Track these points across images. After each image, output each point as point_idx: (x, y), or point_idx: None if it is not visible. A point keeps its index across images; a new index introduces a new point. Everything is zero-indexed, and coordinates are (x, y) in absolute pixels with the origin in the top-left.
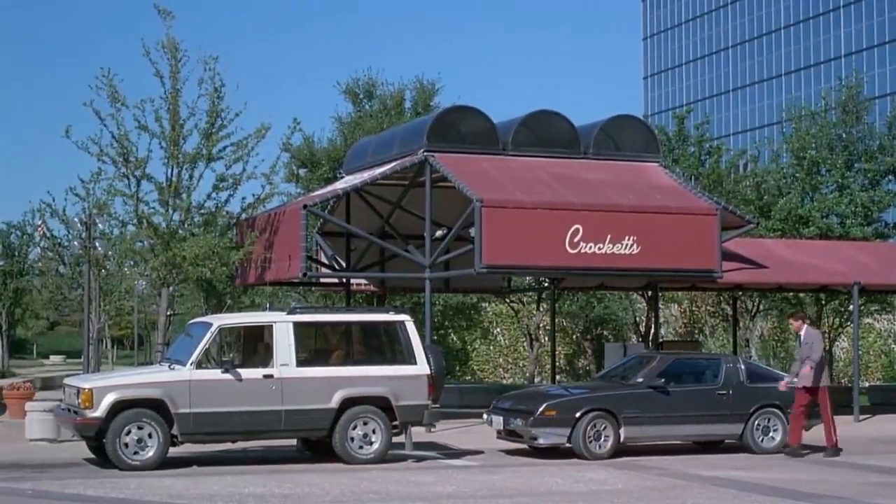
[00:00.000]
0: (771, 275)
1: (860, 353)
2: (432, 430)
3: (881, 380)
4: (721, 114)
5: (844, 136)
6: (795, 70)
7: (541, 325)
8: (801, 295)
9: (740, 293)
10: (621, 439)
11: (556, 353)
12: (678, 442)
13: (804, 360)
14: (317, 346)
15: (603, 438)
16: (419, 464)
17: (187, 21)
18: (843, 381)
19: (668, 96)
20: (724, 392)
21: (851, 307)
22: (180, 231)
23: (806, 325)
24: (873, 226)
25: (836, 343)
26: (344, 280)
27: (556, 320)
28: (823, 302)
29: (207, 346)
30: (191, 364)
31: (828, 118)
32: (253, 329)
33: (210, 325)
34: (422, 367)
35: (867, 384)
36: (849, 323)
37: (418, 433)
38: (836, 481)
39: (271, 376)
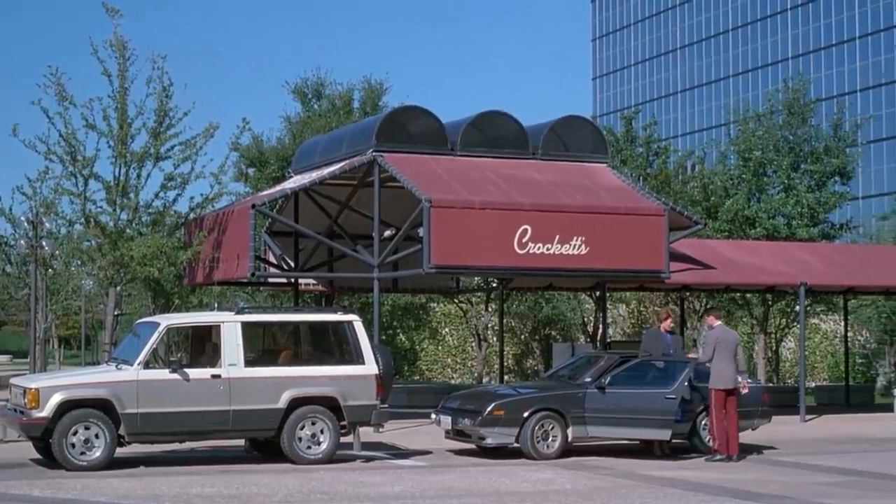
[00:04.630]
0: (718, 275)
1: (806, 353)
2: (381, 430)
3: (827, 380)
4: (669, 115)
5: (790, 137)
6: (743, 72)
7: (489, 325)
8: (748, 295)
9: (688, 294)
10: (569, 439)
11: (505, 353)
12: (626, 441)
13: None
14: (265, 346)
15: (551, 438)
16: (367, 464)
17: (135, 21)
18: (789, 381)
19: (617, 97)
20: (669, 395)
21: (798, 308)
22: (128, 230)
23: (717, 322)
24: (819, 227)
25: (783, 343)
26: (292, 280)
27: (505, 320)
28: (770, 303)
29: (155, 345)
30: (138, 364)
31: (774, 120)
32: (201, 329)
33: (158, 324)
34: (370, 367)
35: (813, 384)
36: (795, 323)
37: (367, 433)
38: (783, 481)
39: (219, 376)
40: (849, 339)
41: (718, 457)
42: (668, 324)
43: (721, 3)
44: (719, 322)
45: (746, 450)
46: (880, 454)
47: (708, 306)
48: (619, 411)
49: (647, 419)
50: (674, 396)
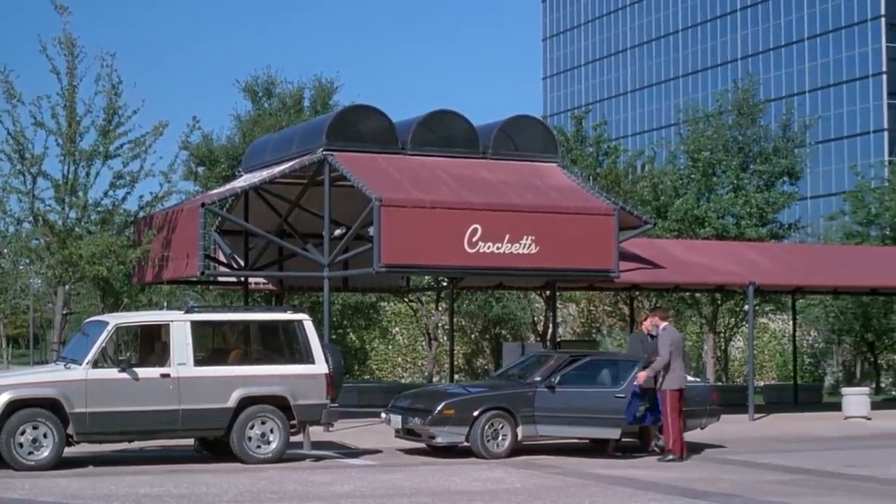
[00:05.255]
0: (667, 275)
1: (755, 352)
2: (330, 429)
3: (776, 379)
4: (619, 115)
5: (740, 137)
6: (693, 72)
7: (439, 324)
8: (697, 295)
9: (637, 293)
10: (519, 438)
11: (455, 352)
12: (576, 440)
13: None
14: (214, 345)
15: (501, 437)
16: (317, 463)
17: (85, 19)
18: (738, 380)
19: (567, 97)
20: (619, 394)
21: (746, 307)
22: (77, 229)
23: (664, 323)
24: (768, 226)
25: (732, 343)
26: (242, 279)
27: (455, 319)
28: (719, 302)
29: (104, 345)
30: (87, 363)
31: (723, 120)
32: (150, 328)
33: (106, 323)
34: (320, 367)
35: (762, 383)
36: (744, 323)
37: (317, 432)
38: (732, 480)
39: (168, 375)
40: (797, 339)
41: (671, 456)
42: (647, 325)
43: (671, 4)
44: (666, 322)
45: (695, 449)
46: (827, 452)
47: (657, 305)
48: (569, 410)
49: (596, 418)
50: (623, 395)
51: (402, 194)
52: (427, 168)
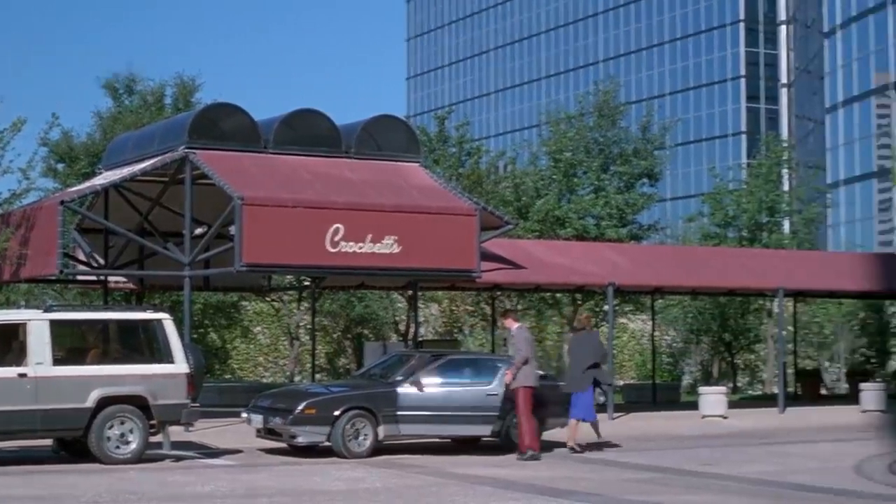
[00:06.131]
0: (528, 275)
1: (614, 352)
2: (191, 429)
3: (635, 378)
4: (482, 115)
5: (600, 139)
6: (556, 73)
7: (301, 323)
8: (558, 295)
9: (499, 293)
10: (380, 437)
11: (317, 351)
12: (437, 440)
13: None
14: (73, 344)
15: (362, 437)
16: (177, 463)
17: None
18: None
19: (431, 97)
20: (491, 392)
21: (606, 307)
22: None
23: (517, 324)
24: (628, 227)
25: None
26: (102, 278)
27: (317, 319)
28: (580, 302)
29: None
30: None
31: (584, 122)
32: (7, 327)
33: None
34: (180, 366)
35: (621, 383)
36: (604, 323)
37: (177, 432)
38: (593, 478)
39: (26, 375)
40: (656, 339)
41: (529, 453)
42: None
43: (535, 5)
44: (518, 323)
45: (556, 447)
46: (685, 451)
47: (517, 305)
48: (435, 409)
49: (466, 416)
50: (496, 393)
51: (263, 193)
52: (289, 167)
